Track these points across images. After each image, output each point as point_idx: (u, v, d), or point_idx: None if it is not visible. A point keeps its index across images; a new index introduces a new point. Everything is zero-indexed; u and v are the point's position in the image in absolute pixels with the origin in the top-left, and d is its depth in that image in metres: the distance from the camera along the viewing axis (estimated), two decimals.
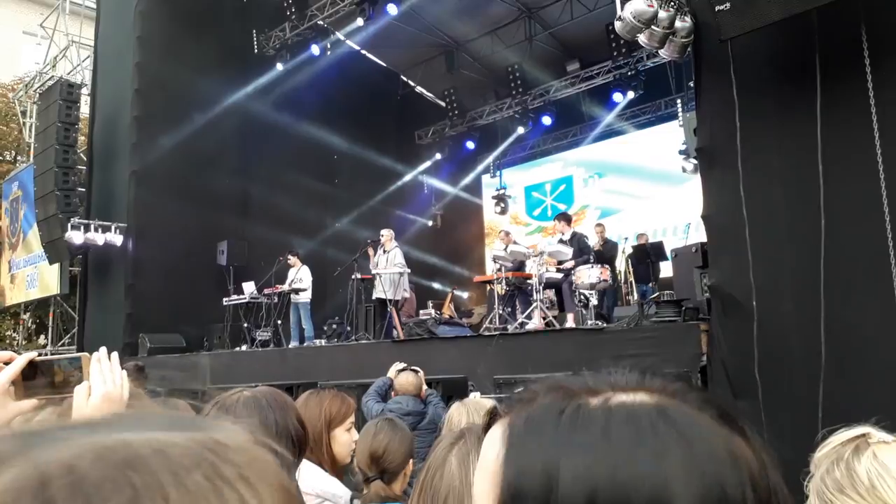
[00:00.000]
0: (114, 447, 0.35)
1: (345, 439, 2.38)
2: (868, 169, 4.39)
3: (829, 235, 4.51)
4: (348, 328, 9.84)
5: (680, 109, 12.50)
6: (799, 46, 4.77)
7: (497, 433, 0.49)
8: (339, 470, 2.35)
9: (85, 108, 13.72)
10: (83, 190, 13.07)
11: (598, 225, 11.27)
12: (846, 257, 4.48)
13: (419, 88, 16.49)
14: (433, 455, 1.38)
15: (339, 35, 13.64)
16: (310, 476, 2.17)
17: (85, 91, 13.57)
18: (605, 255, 10.06)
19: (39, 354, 1.32)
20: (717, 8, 4.74)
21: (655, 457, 0.42)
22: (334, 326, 10.16)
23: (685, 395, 0.48)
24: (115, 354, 1.30)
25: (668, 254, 8.64)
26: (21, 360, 1.26)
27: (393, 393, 4.43)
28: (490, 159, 16.51)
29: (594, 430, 0.44)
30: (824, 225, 4.52)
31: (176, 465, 0.35)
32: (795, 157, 4.76)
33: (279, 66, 12.97)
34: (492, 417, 0.51)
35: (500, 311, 8.49)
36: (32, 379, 1.28)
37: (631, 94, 12.74)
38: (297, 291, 10.34)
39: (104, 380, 1.24)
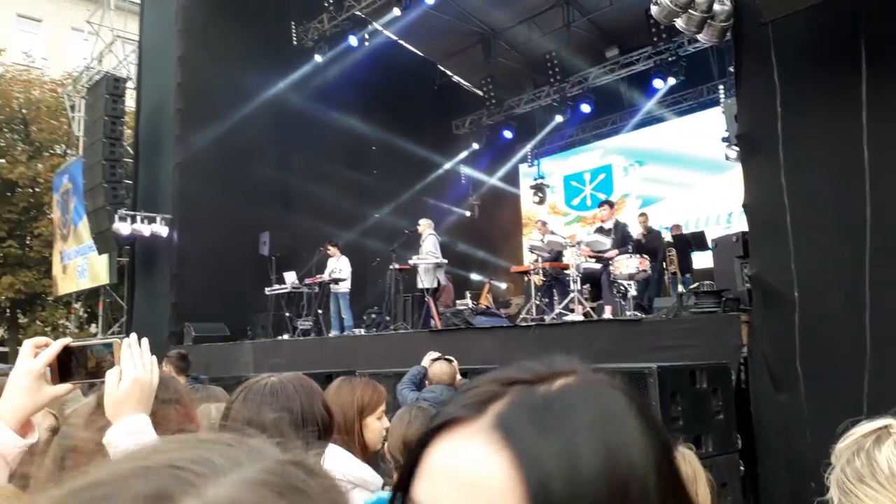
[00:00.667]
0: (265, 480, 0.40)
1: (376, 426, 2.42)
2: None
3: (874, 225, 4.37)
4: (387, 318, 9.94)
5: (722, 95, 12.21)
6: (843, 29, 4.61)
7: (483, 446, 0.49)
8: (369, 456, 2.39)
9: (131, 102, 14.08)
10: (130, 182, 13.43)
11: (642, 214, 11.12)
12: (892, 247, 4.34)
13: (456, 78, 16.44)
14: None
15: (377, 25, 13.68)
16: (341, 462, 2.21)
17: (130, 85, 13.91)
18: (649, 245, 9.95)
19: (74, 340, 1.38)
20: None
21: (638, 428, 0.51)
22: (373, 316, 10.25)
23: (602, 376, 0.56)
24: (145, 340, 1.35)
25: (709, 243, 8.49)
26: (56, 346, 1.32)
27: (427, 382, 4.46)
28: (528, 148, 16.40)
29: (574, 407, 0.50)
30: (870, 214, 4.39)
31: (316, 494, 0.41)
32: (839, 144, 4.62)
33: (317, 58, 13.09)
34: (434, 431, 0.52)
35: (538, 302, 8.47)
36: (67, 364, 1.33)
37: (672, 81, 12.49)
38: (336, 281, 10.47)
39: (134, 364, 1.29)
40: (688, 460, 2.10)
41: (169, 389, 1.52)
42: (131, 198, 13.19)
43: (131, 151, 14.00)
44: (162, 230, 12.07)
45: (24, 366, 1.28)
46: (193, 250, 11.85)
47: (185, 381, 5.59)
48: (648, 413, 0.54)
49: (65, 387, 1.33)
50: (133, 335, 1.34)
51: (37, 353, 1.30)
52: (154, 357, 1.34)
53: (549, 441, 0.48)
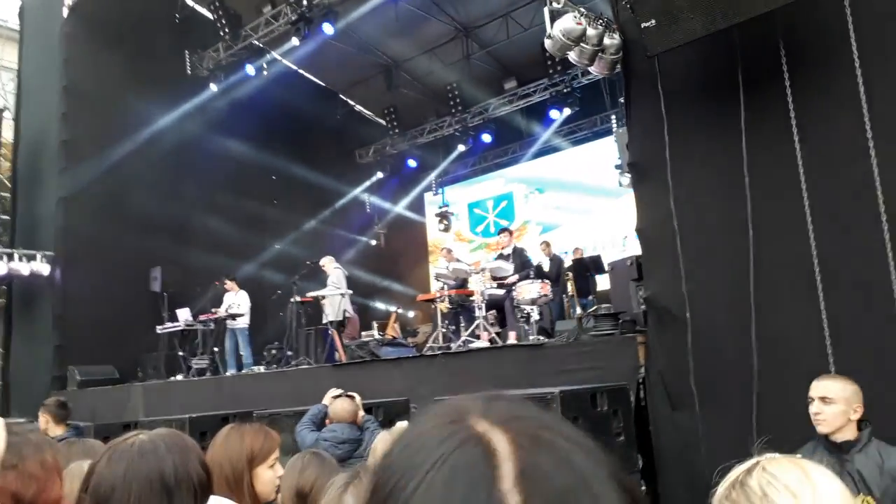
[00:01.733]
0: None
1: (268, 476, 2.26)
2: (791, 181, 4.51)
3: (757, 247, 4.60)
4: (289, 353, 9.61)
5: (615, 125, 12.77)
6: (722, 61, 4.89)
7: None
8: None
9: (8, 133, 13.15)
10: (6, 217, 12.48)
11: (544, 243, 11.37)
12: (774, 268, 4.58)
13: (358, 107, 16.42)
14: (326, 498, 1.29)
15: (275, 55, 13.47)
16: None
17: (7, 115, 13.00)
18: (552, 271, 10.17)
19: None
20: (642, 25, 4.83)
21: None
22: (274, 352, 9.90)
23: None
24: None
25: (606, 267, 8.75)
26: None
27: (328, 421, 4.29)
28: (432, 177, 16.54)
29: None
30: (752, 236, 4.62)
31: None
32: (723, 171, 4.86)
33: (213, 87, 12.72)
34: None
35: (444, 330, 8.42)
36: None
37: (567, 111, 12.98)
38: (234, 317, 10.07)
39: None
40: None
41: (28, 445, 1.34)
42: (8, 234, 12.25)
43: (8, 184, 13.03)
44: (43, 268, 11.24)
45: None
46: (78, 289, 11.10)
47: (64, 430, 5.16)
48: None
49: None
50: None
51: None
52: (1, 420, 1.17)
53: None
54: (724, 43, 4.78)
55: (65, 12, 11.82)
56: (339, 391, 4.40)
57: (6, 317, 12.59)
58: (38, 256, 11.27)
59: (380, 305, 14.99)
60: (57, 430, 5.18)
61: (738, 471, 1.17)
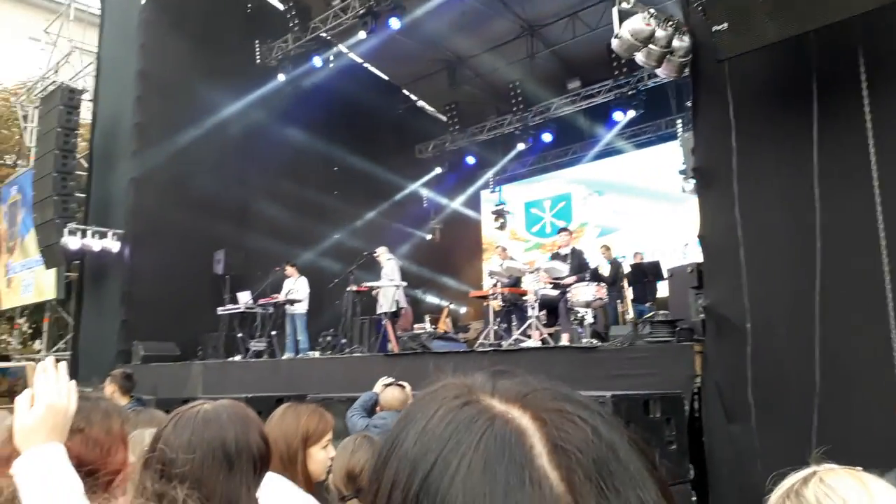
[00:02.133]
0: None
1: (321, 457, 2.32)
2: (864, 192, 4.36)
3: (825, 258, 4.46)
4: (343, 340, 9.78)
5: (680, 129, 12.51)
6: (796, 68, 4.75)
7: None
8: (313, 488, 2.29)
9: (87, 114, 13.75)
10: (82, 195, 13.07)
11: (604, 246, 11.23)
12: (842, 280, 4.43)
13: (420, 102, 16.52)
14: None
15: (342, 47, 13.68)
16: (283, 493, 2.12)
17: (86, 97, 13.59)
18: (612, 275, 10.07)
19: (1, 357, 1.28)
20: (714, 28, 4.73)
21: None
22: (329, 338, 10.08)
23: None
24: (62, 364, 1.25)
25: (665, 273, 8.60)
26: None
27: (378, 408, 4.36)
28: (490, 174, 16.53)
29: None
30: (820, 248, 4.48)
31: None
32: (791, 180, 4.73)
33: (281, 77, 13.00)
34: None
35: (496, 327, 8.44)
36: None
37: (631, 113, 12.77)
38: (292, 302, 10.29)
39: (48, 390, 1.20)
40: None
41: (95, 409, 1.42)
42: (82, 211, 12.82)
43: (85, 164, 13.64)
44: (113, 245, 11.73)
45: None
46: (146, 267, 11.54)
47: (127, 402, 5.38)
48: None
49: None
50: (50, 358, 1.24)
51: None
52: (73, 382, 1.24)
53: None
54: (797, 48, 4.65)
55: None
56: (391, 379, 4.46)
57: (78, 291, 13.20)
58: (109, 234, 11.77)
59: (432, 299, 15.08)
60: (122, 401, 5.41)
61: (793, 479, 1.15)
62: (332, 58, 13.45)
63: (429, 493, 0.44)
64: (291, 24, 12.64)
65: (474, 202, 17.23)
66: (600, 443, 0.46)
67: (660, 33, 5.49)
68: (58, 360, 1.26)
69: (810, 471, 1.14)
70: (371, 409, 4.43)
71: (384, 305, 9.54)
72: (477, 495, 0.42)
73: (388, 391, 4.29)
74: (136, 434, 2.18)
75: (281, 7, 12.91)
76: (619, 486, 0.44)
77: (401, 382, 4.36)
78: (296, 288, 10.39)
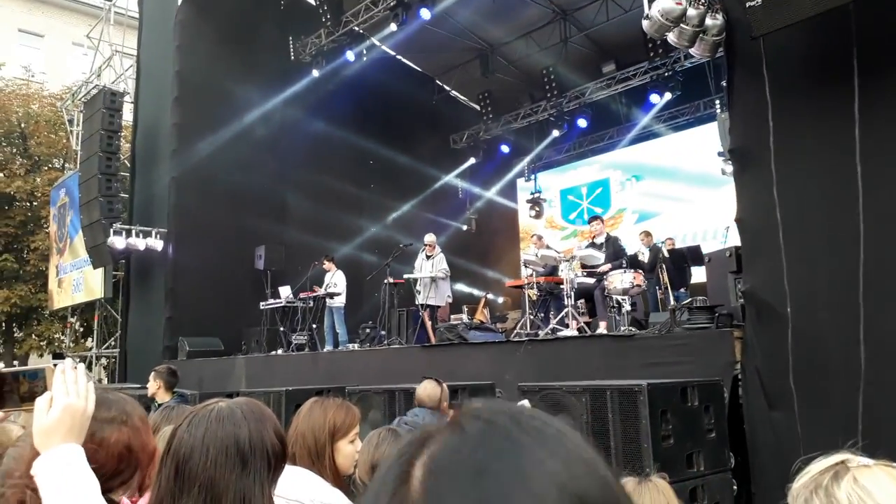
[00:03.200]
0: None
1: (348, 450, 2.34)
2: None
3: (868, 240, 4.31)
4: (382, 332, 9.87)
5: (718, 110, 12.19)
6: (835, 42, 4.58)
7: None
8: (341, 481, 2.31)
9: (129, 116, 14.09)
10: (126, 196, 13.42)
11: (644, 233, 11.04)
12: (886, 262, 4.28)
13: (454, 93, 16.47)
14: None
15: (374, 40, 13.71)
16: (311, 487, 2.14)
17: (128, 99, 13.93)
18: (651, 261, 9.90)
19: (56, 355, 1.32)
20: (748, 4, 4.59)
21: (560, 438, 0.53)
22: (367, 331, 10.19)
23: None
24: (81, 366, 1.29)
25: (704, 258, 8.42)
26: None
27: (415, 403, 4.36)
28: (525, 162, 16.39)
29: (531, 430, 0.52)
30: (863, 229, 4.33)
31: None
32: (832, 159, 4.57)
33: (315, 73, 13.10)
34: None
35: (532, 317, 8.39)
36: (0, 390, 1.27)
37: (668, 96, 12.50)
38: (331, 296, 10.41)
39: (66, 391, 1.23)
40: (661, 490, 2.03)
41: (111, 410, 1.46)
42: (127, 212, 13.17)
43: (128, 165, 13.99)
44: (157, 244, 12.03)
45: None
46: (189, 264, 11.81)
47: (171, 397, 5.52)
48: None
49: None
50: (68, 360, 1.28)
51: None
52: (91, 383, 1.27)
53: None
54: (837, 22, 4.47)
55: (179, 1, 12.49)
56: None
57: (125, 289, 13.58)
58: (153, 233, 12.07)
59: (469, 290, 15.07)
60: (165, 396, 5.55)
61: (820, 468, 1.07)
62: (364, 51, 13.49)
63: None
64: (324, 20, 12.72)
65: (510, 191, 17.12)
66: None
67: (691, 12, 5.36)
68: (76, 363, 1.29)
69: (838, 460, 1.06)
70: None
71: (436, 298, 9.61)
72: None
73: (422, 385, 4.29)
74: (165, 430, 2.24)
75: (313, 2, 13.00)
76: None
77: (437, 379, 4.34)
78: (334, 281, 10.52)
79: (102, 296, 14.57)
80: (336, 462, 2.31)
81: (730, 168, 11.05)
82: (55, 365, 1.29)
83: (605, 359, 5.85)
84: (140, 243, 12.00)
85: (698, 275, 9.61)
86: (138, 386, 7.83)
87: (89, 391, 1.26)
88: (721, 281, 6.24)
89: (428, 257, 9.99)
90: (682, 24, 5.34)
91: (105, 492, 1.27)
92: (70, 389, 1.23)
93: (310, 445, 2.30)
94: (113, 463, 1.38)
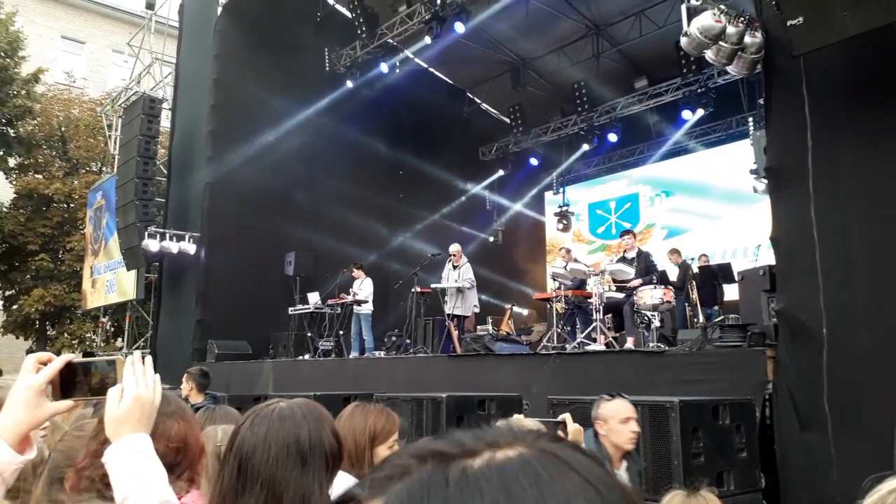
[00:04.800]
0: None
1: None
2: None
3: None
4: (408, 341, 9.92)
5: (752, 127, 12.11)
6: (877, 62, 4.56)
7: None
8: None
9: (166, 123, 14.39)
10: (161, 200, 13.68)
11: (674, 251, 10.99)
12: None
13: (484, 105, 16.55)
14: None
15: (408, 53, 13.85)
16: None
17: (166, 105, 14.23)
18: (681, 278, 9.88)
19: (86, 354, 1.37)
20: (789, 23, 4.59)
21: (563, 498, 0.41)
22: (394, 339, 10.24)
23: (555, 440, 0.47)
24: (148, 359, 1.34)
25: (736, 276, 8.36)
26: (58, 362, 1.31)
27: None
28: (553, 176, 16.38)
29: (493, 491, 0.41)
30: None
31: None
32: (871, 178, 4.54)
33: (349, 84, 13.27)
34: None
35: (559, 330, 8.38)
36: (70, 380, 1.32)
37: (700, 112, 12.43)
38: (359, 303, 10.50)
39: (136, 383, 1.28)
40: (710, 502, 2.04)
41: (171, 404, 1.52)
42: (162, 215, 13.42)
43: (164, 170, 14.28)
44: (190, 248, 12.24)
45: (26, 381, 1.27)
46: (220, 269, 11.99)
47: (203, 398, 5.62)
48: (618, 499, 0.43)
49: (66, 403, 1.32)
50: (137, 352, 1.34)
51: (39, 369, 1.29)
52: (157, 375, 1.33)
53: None
54: (879, 41, 4.46)
55: (218, 10, 12.76)
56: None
57: (157, 291, 13.82)
58: (187, 237, 12.29)
59: (494, 301, 15.07)
60: (198, 398, 5.66)
61: (887, 489, 1.06)
62: (398, 63, 13.64)
63: None
64: (359, 31, 12.89)
65: (538, 204, 17.12)
66: None
67: (731, 30, 5.37)
68: (145, 355, 1.35)
69: None
70: None
71: (462, 308, 9.66)
72: None
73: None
74: (210, 430, 2.30)
75: (349, 15, 13.19)
76: None
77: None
78: (361, 288, 10.60)
79: (135, 297, 14.84)
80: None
81: (762, 186, 10.97)
82: (126, 356, 1.35)
83: (635, 374, 5.83)
84: (173, 247, 12.22)
85: (730, 292, 9.53)
86: (169, 387, 7.96)
87: (157, 383, 1.32)
88: (754, 299, 6.19)
89: (455, 267, 10.03)
90: (720, 42, 5.35)
91: None
92: (140, 381, 1.29)
93: (350, 449, 2.34)
94: (172, 455, 1.44)
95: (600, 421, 3.35)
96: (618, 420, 3.31)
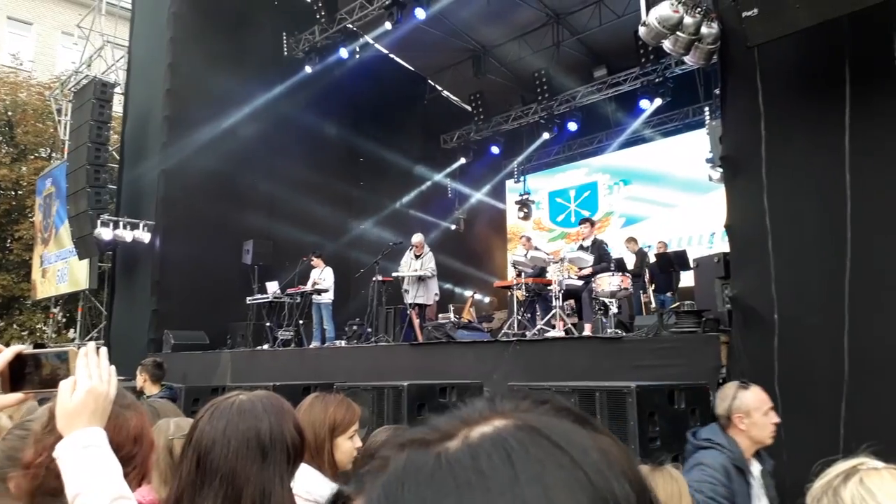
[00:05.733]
0: None
1: (347, 447, 2.37)
2: None
3: (854, 248, 4.40)
4: (369, 330, 9.88)
5: (707, 117, 12.34)
6: (828, 54, 4.67)
7: None
8: (339, 477, 2.34)
9: (118, 108, 13.99)
10: (114, 187, 13.32)
11: (630, 239, 11.16)
12: (872, 271, 4.36)
13: (446, 93, 16.51)
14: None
15: (368, 38, 13.71)
16: (310, 481, 2.17)
17: (118, 90, 13.82)
18: (637, 265, 10.04)
19: (37, 345, 1.33)
20: (744, 14, 4.66)
21: (536, 476, 0.39)
22: (355, 328, 10.19)
23: (539, 407, 0.45)
24: (103, 350, 1.29)
25: (691, 263, 8.53)
26: (7, 353, 1.26)
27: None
28: (514, 164, 16.48)
29: (465, 473, 0.39)
30: (850, 238, 4.41)
31: None
32: (822, 168, 4.66)
33: (308, 69, 13.07)
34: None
35: (520, 317, 8.44)
36: (20, 372, 1.28)
37: (658, 101, 12.62)
38: (319, 292, 10.41)
39: (90, 375, 1.24)
40: (675, 478, 2.08)
41: (127, 397, 1.48)
42: (115, 203, 13.07)
43: (116, 157, 13.89)
44: (144, 236, 11.94)
45: None
46: (176, 257, 11.75)
47: (159, 390, 5.51)
48: (608, 467, 0.41)
49: (16, 396, 1.27)
50: (91, 343, 1.29)
51: None
52: (113, 367, 1.29)
53: None
54: (831, 33, 4.56)
55: None
56: None
57: (110, 281, 13.49)
58: (141, 225, 11.98)
59: (456, 289, 15.11)
60: (153, 389, 5.54)
61: (835, 472, 1.10)
62: (358, 49, 13.50)
63: None
64: (318, 16, 12.70)
65: (499, 192, 17.20)
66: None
67: (688, 20, 5.42)
68: (99, 346, 1.31)
69: (853, 464, 1.10)
70: None
71: (423, 297, 9.64)
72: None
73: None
74: (162, 423, 2.25)
75: None
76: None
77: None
78: (322, 277, 10.51)
79: (87, 287, 14.46)
80: (335, 458, 2.33)
81: (717, 174, 11.19)
82: (79, 347, 1.30)
83: (593, 360, 5.91)
84: (127, 235, 11.91)
85: (686, 279, 9.73)
86: (123, 378, 7.79)
87: (112, 375, 1.27)
88: (708, 286, 6.32)
89: (417, 257, 10.01)
90: (678, 32, 5.40)
91: None
92: (94, 373, 1.24)
93: (309, 440, 2.30)
94: (130, 447, 1.40)
95: (740, 414, 2.90)
96: (762, 412, 2.92)
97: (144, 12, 13.59)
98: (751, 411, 2.87)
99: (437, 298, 10.34)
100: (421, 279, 9.79)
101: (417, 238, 10.12)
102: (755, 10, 4.58)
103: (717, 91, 6.94)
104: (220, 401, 1.51)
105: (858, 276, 4.37)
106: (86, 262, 13.87)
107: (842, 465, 1.09)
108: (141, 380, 5.61)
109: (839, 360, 4.32)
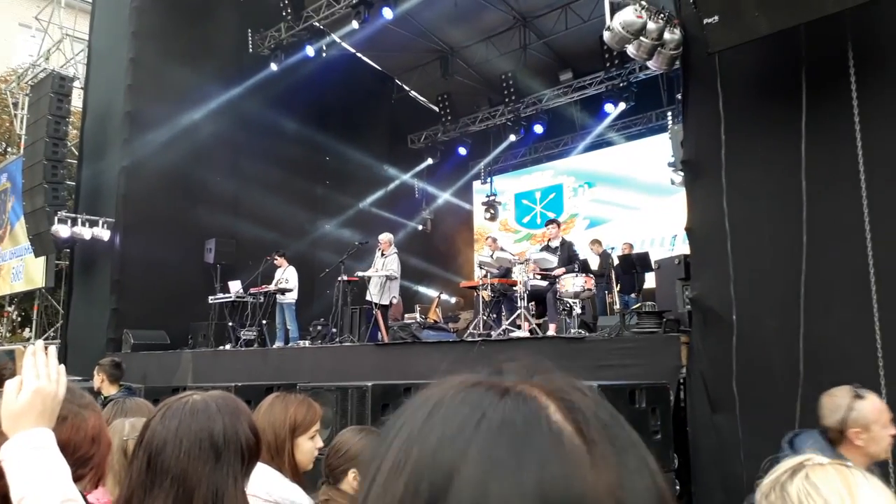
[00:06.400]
0: None
1: (308, 447, 2.35)
2: (850, 186, 4.41)
3: (810, 251, 4.52)
4: (333, 330, 9.80)
5: (670, 121, 12.55)
6: (786, 61, 4.78)
7: None
8: (300, 477, 2.32)
9: (77, 102, 13.67)
10: (72, 184, 13.00)
11: (595, 241, 11.29)
12: (827, 272, 4.49)
13: (413, 93, 16.49)
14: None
15: (335, 37, 13.63)
16: (269, 482, 2.15)
17: (77, 84, 13.51)
18: (600, 267, 10.16)
19: None
20: (705, 21, 4.75)
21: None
22: (319, 328, 10.11)
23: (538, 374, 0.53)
24: (52, 349, 1.26)
25: (653, 265, 8.66)
26: None
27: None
28: (481, 165, 16.54)
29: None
30: (806, 241, 4.53)
31: None
32: (779, 173, 4.77)
33: (273, 66, 12.94)
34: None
35: (485, 318, 8.48)
36: None
37: (622, 106, 12.80)
38: (283, 292, 10.30)
39: (37, 374, 1.20)
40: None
41: (85, 396, 1.45)
42: (73, 200, 12.76)
43: (75, 152, 13.57)
44: (103, 234, 11.69)
45: None
46: (136, 255, 11.51)
47: (117, 390, 5.39)
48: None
49: None
50: (39, 342, 1.25)
51: None
52: (62, 367, 1.25)
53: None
54: (788, 42, 4.67)
55: None
56: None
57: (68, 279, 13.16)
58: (100, 222, 11.73)
59: (423, 290, 15.11)
60: (111, 390, 5.42)
61: (783, 468, 1.13)
62: (324, 47, 13.41)
63: (446, 453, 0.45)
64: (284, 13, 12.58)
65: (466, 193, 17.24)
66: (605, 410, 0.49)
67: (651, 25, 5.51)
68: (48, 345, 1.27)
69: (799, 461, 1.12)
70: None
71: (376, 296, 9.57)
72: (497, 444, 0.44)
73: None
74: (117, 423, 2.21)
75: None
76: (624, 445, 0.47)
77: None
78: (285, 277, 10.41)
79: (44, 285, 14.10)
80: (296, 458, 2.31)
81: (679, 178, 11.38)
82: (26, 347, 1.26)
83: (557, 360, 5.88)
84: (86, 232, 11.65)
85: (648, 281, 9.87)
86: (80, 378, 7.60)
87: (61, 375, 1.24)
88: (669, 287, 6.43)
89: (382, 255, 9.98)
90: (641, 37, 5.49)
91: (75, 480, 1.26)
92: (41, 372, 1.21)
93: (269, 441, 2.29)
94: (87, 447, 1.37)
95: (857, 429, 2.49)
96: (881, 424, 2.51)
97: (105, 5, 13.31)
98: (870, 425, 2.48)
99: (394, 300, 10.20)
100: (387, 279, 9.75)
101: (384, 237, 10.08)
102: (716, 18, 4.68)
103: (679, 96, 7.06)
104: (172, 401, 1.49)
105: (813, 277, 4.49)
106: (42, 259, 13.53)
107: (789, 462, 1.12)
108: (98, 380, 5.49)
109: (794, 359, 4.43)
